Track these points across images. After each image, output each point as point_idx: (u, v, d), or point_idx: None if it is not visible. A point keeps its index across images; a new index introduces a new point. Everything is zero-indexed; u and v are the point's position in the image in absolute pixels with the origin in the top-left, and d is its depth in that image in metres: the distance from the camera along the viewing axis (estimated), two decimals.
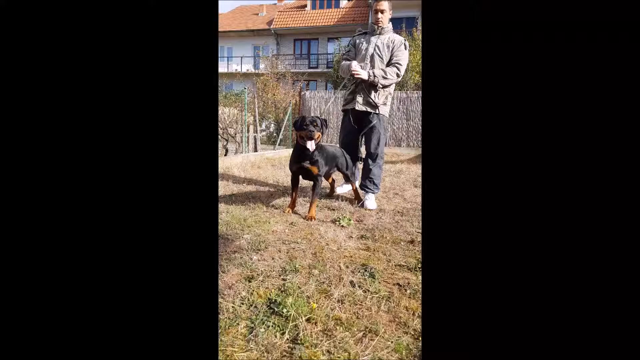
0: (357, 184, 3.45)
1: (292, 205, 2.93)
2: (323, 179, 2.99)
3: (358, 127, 3.36)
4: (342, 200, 3.32)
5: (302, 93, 12.07)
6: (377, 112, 3.28)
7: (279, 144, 10.70)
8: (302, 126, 2.69)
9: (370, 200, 3.20)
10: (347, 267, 1.80)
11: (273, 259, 1.91)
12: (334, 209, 3.02)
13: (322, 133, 2.78)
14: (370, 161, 3.36)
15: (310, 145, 2.67)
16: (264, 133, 12.43)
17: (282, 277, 1.68)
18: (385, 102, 3.30)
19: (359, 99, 3.29)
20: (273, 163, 5.93)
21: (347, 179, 3.35)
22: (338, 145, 3.48)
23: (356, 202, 3.22)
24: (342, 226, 2.53)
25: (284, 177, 4.56)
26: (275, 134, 12.13)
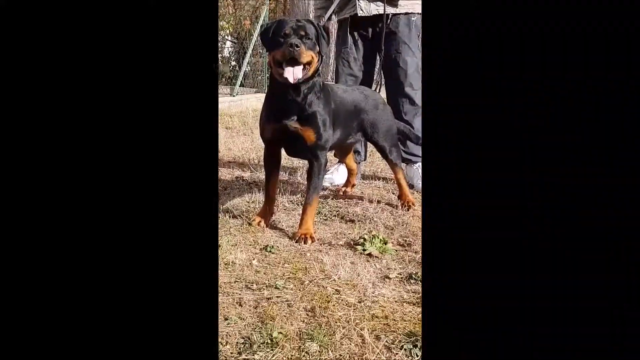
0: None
1: (267, 210, 1.86)
2: (327, 155, 1.88)
3: (370, 48, 2.28)
4: (369, 202, 2.11)
5: None
6: (397, 12, 2.20)
7: (241, 86, 6.60)
8: (277, 40, 1.63)
9: (420, 176, 2.22)
10: (378, 338, 1.18)
11: (227, 319, 1.19)
12: (352, 220, 1.93)
13: (321, 52, 1.67)
14: (403, 104, 2.22)
15: (293, 74, 1.58)
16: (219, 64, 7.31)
17: (243, 355, 1.11)
18: None
19: None
20: (228, 122, 4.16)
21: (385, 157, 2.10)
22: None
23: (401, 204, 2.09)
24: (370, 254, 1.60)
25: (252, 150, 3.15)
26: (235, 65, 7.36)
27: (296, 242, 1.66)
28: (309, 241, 1.65)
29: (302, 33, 1.58)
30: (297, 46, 1.53)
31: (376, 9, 2.15)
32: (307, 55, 1.57)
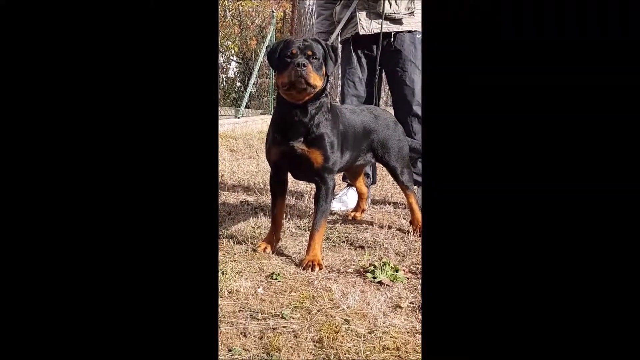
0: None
1: (273, 236, 1.78)
2: (334, 179, 1.83)
3: (372, 67, 2.21)
4: (379, 228, 2.05)
5: None
6: (401, 30, 2.18)
7: (246, 107, 6.20)
8: (284, 59, 1.58)
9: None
10: None
11: (230, 350, 1.11)
12: (361, 246, 1.87)
13: (327, 72, 1.61)
14: (412, 123, 2.21)
15: (303, 84, 1.50)
16: (222, 84, 7.16)
17: None
18: (410, 8, 2.12)
19: (362, 16, 2.10)
20: (233, 145, 4.01)
21: (397, 179, 2.00)
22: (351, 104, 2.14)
23: (412, 229, 2.03)
24: (380, 282, 1.52)
25: (258, 174, 3.07)
26: (240, 86, 6.91)
27: (303, 269, 1.59)
28: (317, 268, 1.58)
29: (310, 52, 1.55)
30: (304, 66, 1.50)
31: (377, 27, 2.13)
32: (313, 76, 1.53)
